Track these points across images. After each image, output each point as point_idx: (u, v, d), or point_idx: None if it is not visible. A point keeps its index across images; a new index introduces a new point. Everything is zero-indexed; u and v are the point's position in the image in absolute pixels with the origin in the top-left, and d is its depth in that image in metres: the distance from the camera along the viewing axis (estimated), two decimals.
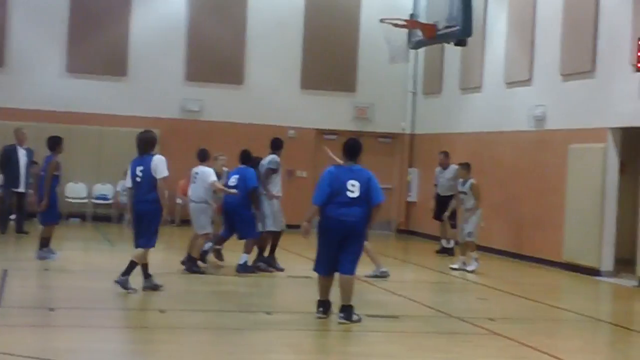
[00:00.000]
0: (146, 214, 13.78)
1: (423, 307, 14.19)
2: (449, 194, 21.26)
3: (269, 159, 16.92)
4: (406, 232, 27.00)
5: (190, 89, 26.78)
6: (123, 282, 13.71)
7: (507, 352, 11.15)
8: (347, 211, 12.30)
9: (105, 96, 26.13)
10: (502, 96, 23.10)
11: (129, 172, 14.13)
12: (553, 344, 12.02)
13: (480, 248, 23.04)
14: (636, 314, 15.80)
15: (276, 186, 16.90)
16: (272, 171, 16.80)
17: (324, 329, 12.12)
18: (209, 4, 26.77)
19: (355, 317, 12.36)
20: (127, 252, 14.66)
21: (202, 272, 16.04)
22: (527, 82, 22.02)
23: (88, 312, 12.48)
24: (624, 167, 19.47)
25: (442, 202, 21.49)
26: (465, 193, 19.11)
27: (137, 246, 13.99)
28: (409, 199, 27.38)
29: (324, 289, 12.55)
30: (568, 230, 19.99)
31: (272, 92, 27.08)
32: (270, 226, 16.81)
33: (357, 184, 12.40)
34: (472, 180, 19.14)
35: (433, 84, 26.96)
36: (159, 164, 13.76)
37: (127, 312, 12.90)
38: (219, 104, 26.76)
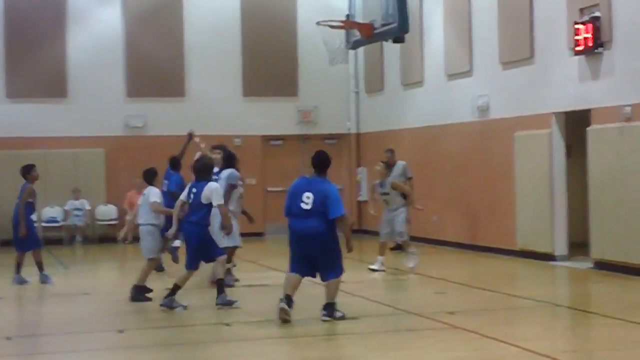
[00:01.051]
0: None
1: (382, 306, 14.18)
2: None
3: (227, 174, 16.42)
4: (359, 232, 26.99)
5: (132, 105, 26.61)
6: (224, 301, 13.93)
7: (468, 345, 11.15)
8: (302, 223, 12.62)
9: (48, 119, 25.92)
10: (444, 89, 23.19)
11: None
12: (513, 332, 12.09)
13: (434, 242, 23.17)
14: (593, 296, 15.90)
15: (233, 203, 16.45)
16: (232, 187, 16.31)
17: (285, 336, 12.06)
18: (144, 19, 26.61)
19: (338, 314, 12.71)
20: (81, 273, 14.50)
21: (148, 299, 14.93)
22: (467, 73, 22.12)
23: (45, 338, 12.32)
24: (570, 151, 19.60)
25: None
26: (387, 194, 18.34)
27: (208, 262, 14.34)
28: (360, 199, 27.38)
29: (291, 287, 12.78)
30: (520, 218, 20.08)
31: (214, 102, 26.97)
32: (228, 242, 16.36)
33: (311, 196, 12.60)
34: (390, 180, 18.46)
35: (375, 82, 27.01)
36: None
37: (85, 335, 12.72)
38: (162, 118, 26.60)
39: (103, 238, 25.73)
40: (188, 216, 14.00)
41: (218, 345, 11.63)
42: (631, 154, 16.76)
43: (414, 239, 22.88)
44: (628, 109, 16.93)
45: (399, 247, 21.56)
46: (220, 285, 14.03)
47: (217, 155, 16.46)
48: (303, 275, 12.84)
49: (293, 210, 12.68)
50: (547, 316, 13.50)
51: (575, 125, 19.08)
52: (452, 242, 22.63)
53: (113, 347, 11.76)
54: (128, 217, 25.28)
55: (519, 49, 20.07)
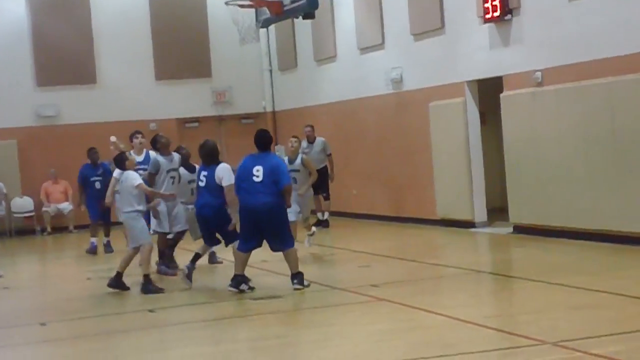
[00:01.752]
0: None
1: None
2: (320, 166, 21.26)
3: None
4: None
5: (43, 95, 26.18)
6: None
7: (394, 316, 11.19)
8: (255, 198, 13.03)
9: None
10: (357, 63, 23.21)
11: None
12: (438, 301, 12.17)
13: (356, 215, 23.24)
14: (514, 261, 16.08)
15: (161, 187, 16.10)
16: (152, 175, 15.92)
17: (210, 319, 11.99)
18: (50, 7, 26.15)
19: (306, 282, 13.27)
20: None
21: (161, 290, 14.13)
22: (380, 46, 22.15)
23: None
24: (484, 118, 19.77)
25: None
26: (298, 171, 16.74)
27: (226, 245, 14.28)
28: None
29: (242, 265, 13.31)
30: (439, 187, 20.21)
31: (127, 87, 26.66)
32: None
33: (261, 168, 13.08)
34: (302, 155, 17.26)
35: (288, 59, 26.93)
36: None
37: (6, 330, 12.49)
38: (74, 106, 26.21)
39: (20, 230, 25.33)
40: (201, 199, 14.06)
41: (143, 332, 11.52)
42: (543, 118, 16.94)
43: (335, 213, 22.97)
44: (538, 74, 17.10)
45: (319, 223, 21.56)
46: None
47: (141, 140, 16.39)
48: (247, 251, 13.31)
49: (244, 185, 13.07)
50: (471, 283, 13.62)
51: (489, 92, 19.25)
52: (374, 215, 22.71)
53: (36, 340, 11.58)
54: (45, 208, 25.05)
55: (429, 20, 20.15)
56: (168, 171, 15.64)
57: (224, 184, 13.80)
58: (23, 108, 25.87)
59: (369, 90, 22.66)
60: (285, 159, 15.79)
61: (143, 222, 14.32)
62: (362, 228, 21.73)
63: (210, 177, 13.88)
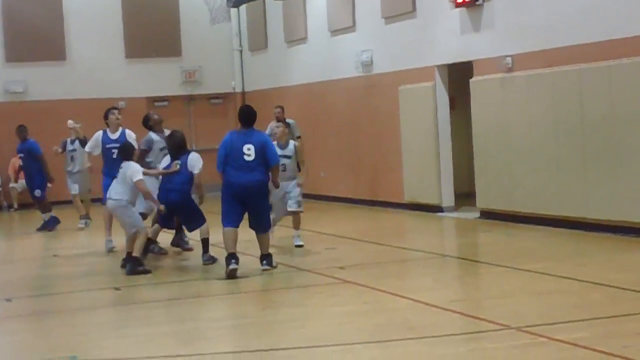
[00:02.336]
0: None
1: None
2: None
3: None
4: None
5: (11, 70, 26.01)
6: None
7: (359, 299, 11.22)
8: (245, 176, 12.81)
9: None
10: (328, 45, 23.19)
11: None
12: (404, 284, 12.22)
13: (324, 198, 23.26)
14: (480, 245, 16.15)
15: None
16: (144, 152, 15.76)
17: (176, 297, 11.98)
18: None
19: (274, 264, 13.25)
20: None
21: (148, 271, 13.76)
22: (350, 28, 22.14)
23: None
24: (454, 103, 19.80)
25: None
26: (289, 157, 15.24)
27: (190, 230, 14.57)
28: None
29: (232, 242, 12.92)
30: (407, 171, 20.26)
31: (96, 65, 26.52)
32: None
33: (252, 147, 12.85)
34: (295, 142, 15.72)
35: (258, 40, 26.86)
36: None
37: None
38: (43, 82, 26.06)
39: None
40: (168, 184, 14.08)
41: (109, 310, 11.51)
42: (513, 104, 17.00)
43: (303, 195, 22.93)
44: (509, 59, 17.16)
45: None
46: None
47: (117, 116, 15.96)
48: (235, 226, 13.03)
49: (234, 163, 12.82)
50: (437, 267, 13.68)
51: (458, 77, 19.29)
52: (342, 197, 22.74)
53: (1, 316, 11.52)
54: (12, 185, 24.91)
55: (401, 4, 20.15)
56: (161, 149, 15.34)
57: (196, 171, 13.97)
58: None
59: (339, 72, 22.65)
60: (274, 143, 14.30)
61: (133, 209, 14.05)
62: (330, 210, 21.75)
63: (182, 165, 14.01)
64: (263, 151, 12.92)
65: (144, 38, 27.05)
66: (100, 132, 15.97)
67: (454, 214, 19.07)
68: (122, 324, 10.70)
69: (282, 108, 21.68)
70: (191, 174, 14.01)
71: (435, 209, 19.42)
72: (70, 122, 18.40)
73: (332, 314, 10.48)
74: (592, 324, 9.21)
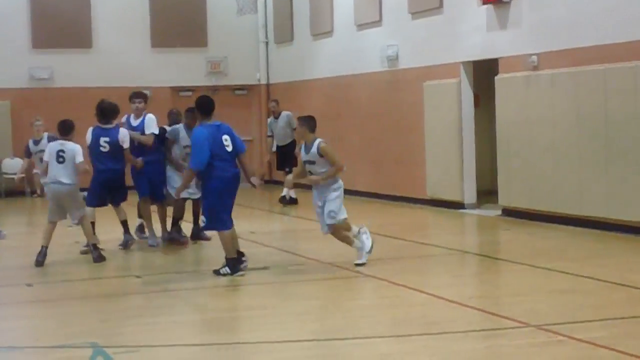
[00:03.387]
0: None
1: (293, 256, 14.21)
2: (288, 141, 21.16)
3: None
4: (271, 183, 26.96)
5: (38, 57, 26.13)
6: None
7: (378, 293, 11.25)
8: (231, 168, 12.41)
9: None
10: (353, 39, 23.17)
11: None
12: (423, 280, 12.21)
13: (346, 192, 23.20)
14: (501, 243, 16.13)
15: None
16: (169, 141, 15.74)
17: (195, 287, 12.02)
18: None
19: (224, 271, 12.39)
20: None
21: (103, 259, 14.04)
22: (377, 23, 22.11)
23: None
24: (478, 100, 19.76)
25: (282, 152, 21.30)
26: (313, 162, 12.88)
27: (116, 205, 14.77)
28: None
29: (234, 242, 12.54)
30: (430, 167, 20.23)
31: (122, 53, 26.60)
32: None
33: (228, 137, 12.43)
34: (319, 141, 12.88)
35: (284, 32, 26.88)
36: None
37: None
38: (69, 69, 26.18)
39: (9, 192, 25.32)
40: (103, 165, 14.33)
41: (129, 298, 11.56)
42: (537, 103, 16.96)
43: None
44: (534, 57, 17.11)
45: (292, 201, 21.27)
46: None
47: (137, 105, 15.48)
48: (232, 225, 12.56)
49: (219, 157, 12.22)
50: (457, 264, 13.68)
51: (483, 74, 19.26)
52: (363, 191, 22.73)
53: (23, 300, 11.61)
54: (35, 171, 25.01)
55: None
56: (184, 147, 15.07)
57: (126, 146, 14.27)
58: (18, 69, 25.83)
59: (364, 66, 22.63)
60: (301, 147, 13.15)
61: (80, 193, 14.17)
62: (351, 204, 21.63)
63: (112, 142, 14.27)
64: (235, 141, 12.49)
65: (170, 27, 27.11)
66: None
67: (476, 211, 19.05)
68: (142, 312, 10.75)
69: (277, 102, 21.58)
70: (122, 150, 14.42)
71: (457, 205, 19.40)
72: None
73: (350, 307, 10.50)
74: (611, 324, 9.20)
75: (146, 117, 14.99)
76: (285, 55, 27.06)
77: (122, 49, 26.63)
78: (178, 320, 10.16)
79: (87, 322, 10.20)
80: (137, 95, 15.19)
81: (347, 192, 22.91)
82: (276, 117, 21.43)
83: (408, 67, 20.98)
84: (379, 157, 22.24)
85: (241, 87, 28.01)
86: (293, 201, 21.43)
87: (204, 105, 12.60)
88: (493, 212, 18.43)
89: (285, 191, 21.28)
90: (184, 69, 27.27)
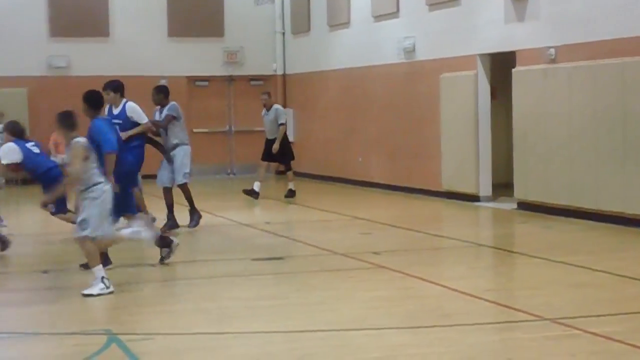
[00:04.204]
0: None
1: (307, 247, 14.19)
2: (276, 136, 20.77)
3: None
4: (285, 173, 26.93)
5: (55, 45, 26.22)
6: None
7: (393, 284, 11.22)
8: None
9: None
10: (370, 30, 23.13)
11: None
12: (438, 272, 12.19)
13: (360, 183, 23.27)
14: (516, 236, 16.10)
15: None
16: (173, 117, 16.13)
17: (210, 276, 12.03)
18: None
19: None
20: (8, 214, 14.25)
21: None
22: (394, 14, 22.07)
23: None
24: (495, 93, 19.71)
25: (269, 145, 20.97)
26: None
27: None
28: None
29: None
30: (445, 159, 20.20)
31: (139, 42, 26.66)
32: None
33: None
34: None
35: (301, 23, 26.87)
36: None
37: (8, 275, 12.56)
38: (86, 58, 26.26)
39: (26, 179, 25.33)
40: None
41: (144, 286, 11.56)
42: (554, 96, 16.90)
43: (339, 180, 23.00)
44: (552, 50, 17.05)
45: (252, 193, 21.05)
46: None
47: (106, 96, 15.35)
48: None
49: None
50: (471, 256, 13.65)
51: (500, 66, 19.20)
52: (378, 183, 22.72)
53: (38, 287, 11.64)
54: (53, 158, 25.05)
55: None
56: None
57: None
58: (35, 57, 25.91)
59: (381, 58, 22.60)
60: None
61: None
62: (366, 196, 21.75)
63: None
64: None
65: (187, 17, 27.14)
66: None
67: (491, 204, 19.01)
68: (156, 300, 10.76)
69: (269, 94, 21.33)
70: None
71: (473, 198, 19.36)
72: None
73: (364, 298, 10.48)
74: (626, 318, 9.16)
75: (127, 106, 14.60)
76: (301, 46, 27.05)
77: (139, 38, 26.69)
78: (193, 308, 10.16)
79: (101, 309, 10.23)
80: (105, 86, 14.53)
81: (362, 183, 23.02)
82: (268, 110, 21.04)
83: (425, 59, 20.94)
84: (395, 149, 22.21)
85: (257, 78, 28.00)
86: (292, 194, 21.10)
87: (95, 98, 12.72)
88: (509, 205, 18.39)
89: (256, 185, 20.75)
90: (200, 59, 27.30)
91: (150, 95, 16.34)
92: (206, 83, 27.52)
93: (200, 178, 25.37)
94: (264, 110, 21.02)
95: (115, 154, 12.30)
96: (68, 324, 9.51)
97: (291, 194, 20.98)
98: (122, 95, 14.34)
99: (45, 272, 12.42)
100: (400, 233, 15.59)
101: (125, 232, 11.37)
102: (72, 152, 10.82)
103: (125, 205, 12.51)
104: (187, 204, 16.15)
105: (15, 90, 25.50)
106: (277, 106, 20.93)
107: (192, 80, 27.27)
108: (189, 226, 15.92)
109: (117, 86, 14.37)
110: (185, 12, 27.11)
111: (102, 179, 10.96)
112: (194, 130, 27.05)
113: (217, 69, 27.57)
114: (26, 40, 25.89)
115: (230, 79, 27.67)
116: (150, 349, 8.41)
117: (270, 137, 20.76)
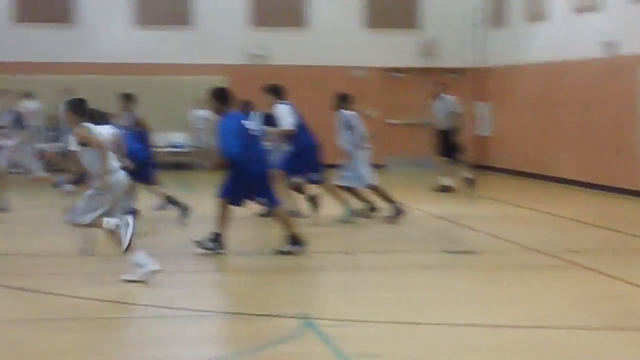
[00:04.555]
0: None
1: (501, 241, 14.06)
2: (448, 126, 20.56)
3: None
4: (481, 167, 26.70)
5: (254, 34, 26.77)
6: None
7: (589, 283, 11.01)
8: None
9: (171, 46, 26.27)
10: (570, 24, 22.69)
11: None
12: (636, 273, 11.66)
13: (555, 179, 22.87)
14: None
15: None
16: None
17: (402, 266, 12.08)
18: None
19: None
20: (207, 197, 14.61)
21: None
22: (596, 8, 21.58)
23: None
24: None
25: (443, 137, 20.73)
26: None
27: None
28: (482, 133, 27.10)
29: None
30: None
31: (335, 32, 26.92)
32: None
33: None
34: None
35: (498, 15, 26.59)
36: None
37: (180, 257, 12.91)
38: (284, 47, 26.69)
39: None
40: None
41: (335, 273, 11.69)
42: None
43: (530, 175, 22.69)
44: None
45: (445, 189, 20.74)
46: None
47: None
48: None
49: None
50: None
51: None
52: (574, 180, 22.29)
53: (238, 269, 11.91)
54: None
55: None
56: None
57: None
58: (235, 46, 26.54)
59: (580, 52, 22.14)
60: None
61: None
62: (556, 191, 21.39)
63: None
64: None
65: (384, 8, 27.25)
66: None
67: None
68: (348, 287, 10.87)
69: (444, 85, 21.10)
70: None
71: None
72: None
73: (561, 296, 10.32)
74: None
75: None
76: (497, 39, 26.76)
77: (336, 28, 26.95)
78: (382, 297, 10.23)
79: (295, 293, 10.42)
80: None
81: (562, 180, 22.59)
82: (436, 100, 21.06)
83: (626, 54, 20.41)
84: (591, 145, 21.72)
85: (453, 70, 27.83)
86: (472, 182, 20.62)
87: (223, 95, 12.69)
88: None
89: (447, 180, 20.62)
90: (395, 50, 27.35)
91: (341, 85, 16.43)
92: (401, 75, 27.56)
93: (395, 170, 25.58)
94: (436, 101, 20.93)
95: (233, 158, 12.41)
96: (262, 306, 9.73)
97: (471, 182, 20.40)
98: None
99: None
100: (597, 232, 15.24)
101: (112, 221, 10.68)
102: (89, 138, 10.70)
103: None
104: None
105: (216, 79, 26.05)
106: (451, 97, 20.92)
107: (388, 71, 27.36)
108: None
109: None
110: (382, 3, 27.23)
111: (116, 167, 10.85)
112: (388, 121, 27.19)
113: (412, 61, 27.55)
114: (227, 29, 26.55)
115: (425, 71, 27.61)
116: (346, 334, 8.50)
117: (441, 127, 20.72)
